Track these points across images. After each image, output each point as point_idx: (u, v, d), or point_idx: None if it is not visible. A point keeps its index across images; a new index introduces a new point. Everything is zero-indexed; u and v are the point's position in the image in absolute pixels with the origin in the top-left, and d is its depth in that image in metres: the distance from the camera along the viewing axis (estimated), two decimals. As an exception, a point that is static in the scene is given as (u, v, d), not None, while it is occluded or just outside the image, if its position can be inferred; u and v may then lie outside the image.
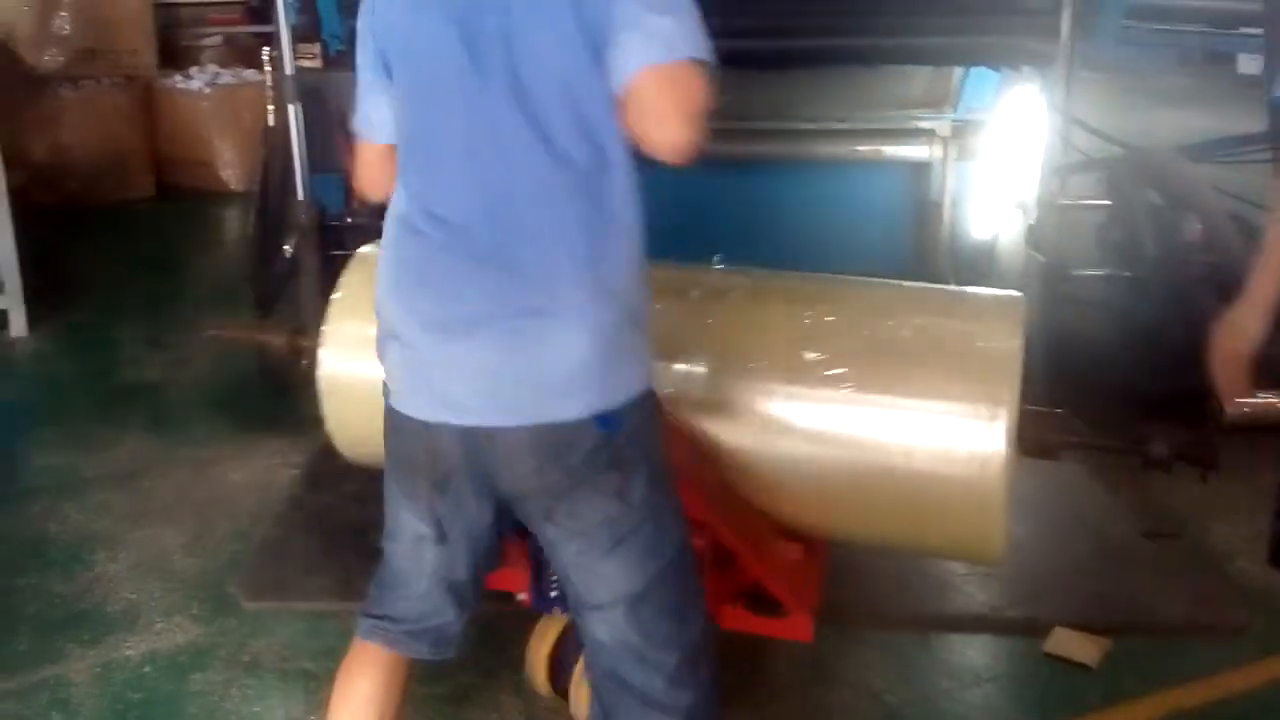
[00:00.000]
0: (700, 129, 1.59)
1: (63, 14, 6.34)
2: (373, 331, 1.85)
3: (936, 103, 4.22)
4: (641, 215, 1.71)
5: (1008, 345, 2.20)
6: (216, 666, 2.64)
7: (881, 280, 2.58)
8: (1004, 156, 3.81)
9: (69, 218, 5.95)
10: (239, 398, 4.00)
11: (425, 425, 1.74)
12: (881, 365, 2.26)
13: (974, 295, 2.63)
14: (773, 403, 2.28)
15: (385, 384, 1.81)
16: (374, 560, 2.92)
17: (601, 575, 1.77)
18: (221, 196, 6.57)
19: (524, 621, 2.50)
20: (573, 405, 1.66)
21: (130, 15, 6.64)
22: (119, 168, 6.49)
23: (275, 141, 3.96)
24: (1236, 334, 2.02)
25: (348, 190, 4.02)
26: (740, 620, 2.50)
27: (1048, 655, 2.70)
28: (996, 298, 2.46)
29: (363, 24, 1.82)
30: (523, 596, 2.49)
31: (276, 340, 3.01)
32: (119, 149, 6.50)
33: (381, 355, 1.80)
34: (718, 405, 2.29)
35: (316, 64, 4.08)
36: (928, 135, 4.19)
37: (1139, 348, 3.63)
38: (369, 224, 3.71)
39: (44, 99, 6.28)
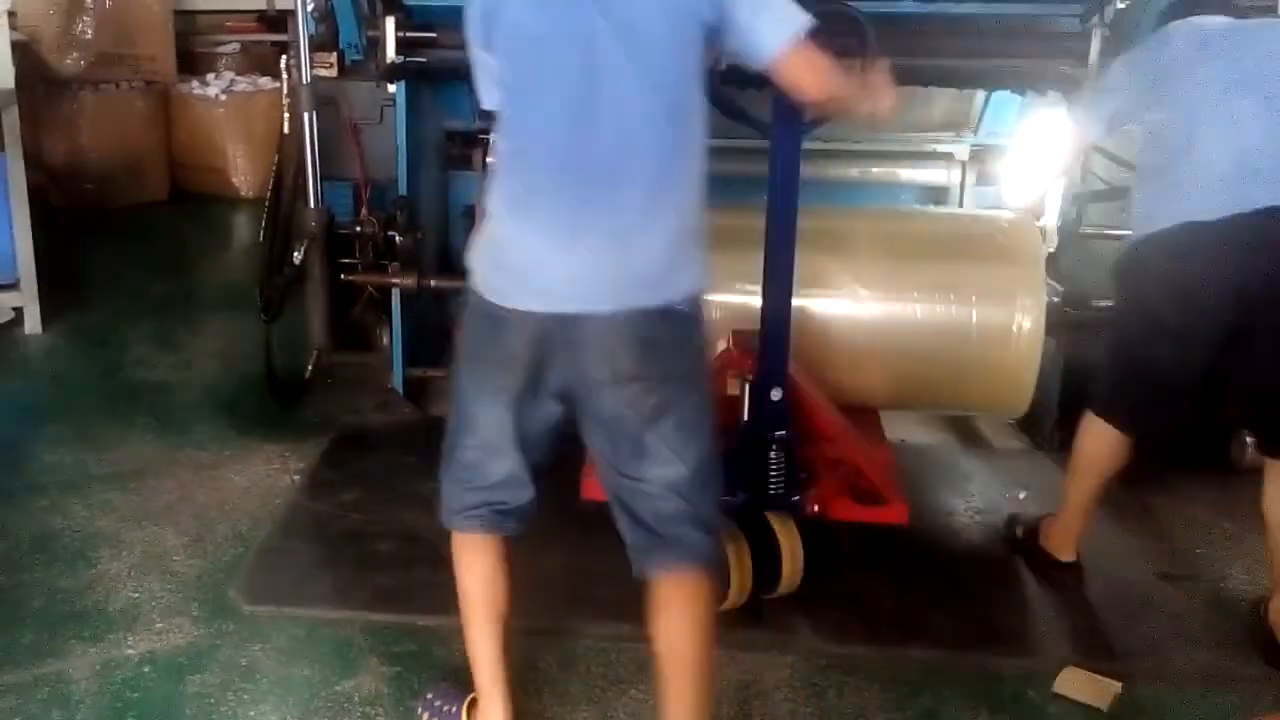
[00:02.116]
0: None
1: (86, 19, 6.41)
2: None
3: (956, 126, 4.14)
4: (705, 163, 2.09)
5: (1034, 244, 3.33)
6: (214, 669, 2.66)
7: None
8: (1024, 183, 3.78)
9: (85, 218, 6.01)
10: (243, 401, 4.03)
11: (531, 317, 2.06)
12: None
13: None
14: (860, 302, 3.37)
15: (479, 290, 2.12)
16: (370, 570, 3.01)
17: (662, 448, 2.11)
18: (233, 202, 6.63)
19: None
20: (653, 296, 2.04)
21: (151, 22, 6.70)
22: (135, 171, 6.55)
23: (289, 148, 4.01)
24: None
25: (358, 198, 4.08)
26: (848, 511, 2.98)
27: (1056, 695, 2.65)
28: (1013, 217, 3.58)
29: None
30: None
31: (407, 281, 3.76)
32: (136, 152, 6.55)
33: (487, 263, 2.13)
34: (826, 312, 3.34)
35: (332, 73, 4.15)
36: (946, 159, 4.13)
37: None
38: (376, 233, 3.79)
39: (64, 101, 6.34)
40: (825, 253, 3.32)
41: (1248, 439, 3.44)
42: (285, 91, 4.03)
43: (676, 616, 2.19)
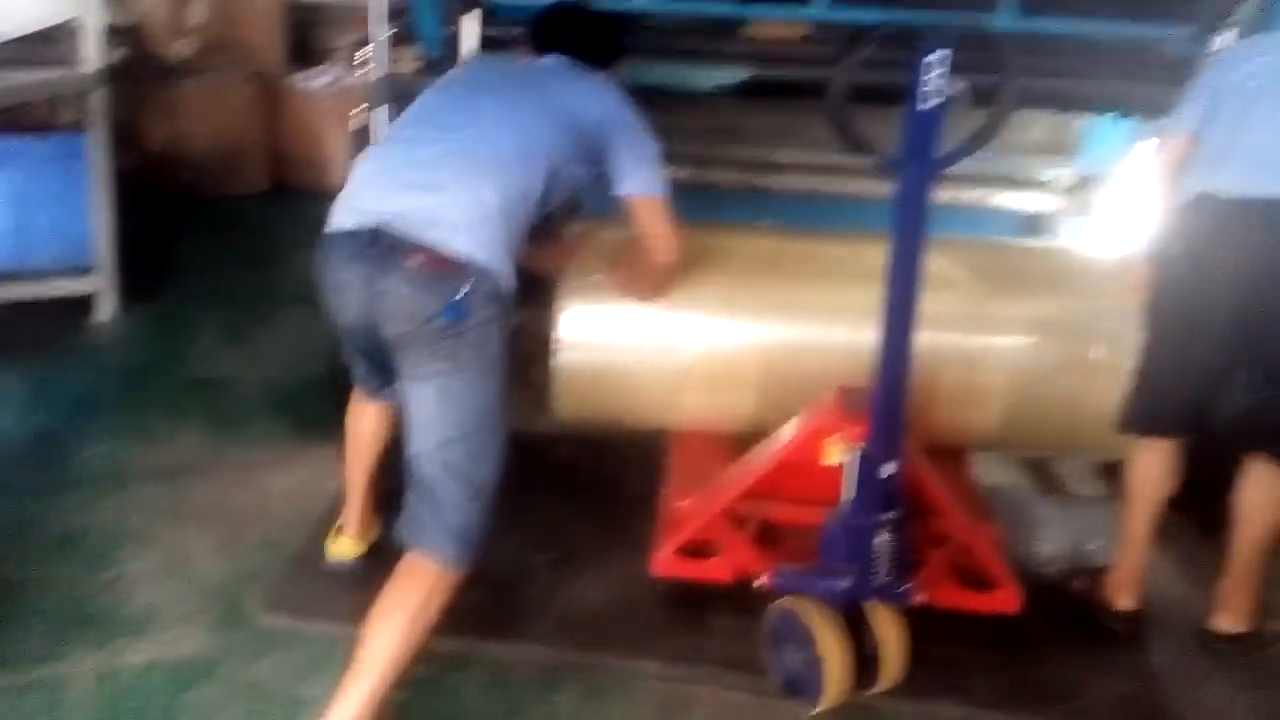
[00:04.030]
0: None
1: (197, 6, 6.47)
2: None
3: (1057, 151, 3.98)
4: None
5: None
6: (217, 683, 2.57)
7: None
8: (1130, 213, 3.52)
9: (180, 206, 6.04)
10: (301, 402, 3.94)
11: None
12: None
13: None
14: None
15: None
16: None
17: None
18: (332, 196, 6.58)
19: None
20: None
21: (260, 11, 6.73)
22: (235, 161, 6.57)
23: (361, 145, 3.92)
24: None
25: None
26: (957, 598, 2.76)
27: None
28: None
29: None
30: (763, 580, 2.67)
31: None
32: (237, 142, 6.57)
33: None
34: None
35: (413, 68, 4.06)
36: (1043, 185, 3.97)
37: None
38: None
39: (169, 88, 6.40)
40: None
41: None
42: (362, 87, 3.97)
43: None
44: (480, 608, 2.77)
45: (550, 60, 2.79)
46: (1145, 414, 2.85)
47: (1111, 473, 3.53)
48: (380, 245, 2.36)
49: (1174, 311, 2.77)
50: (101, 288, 4.55)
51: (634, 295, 3.03)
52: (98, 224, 4.47)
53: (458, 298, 2.31)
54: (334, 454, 3.55)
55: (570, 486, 3.42)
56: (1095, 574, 3.01)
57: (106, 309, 4.58)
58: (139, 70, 6.18)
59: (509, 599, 2.86)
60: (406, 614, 2.33)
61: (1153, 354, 2.83)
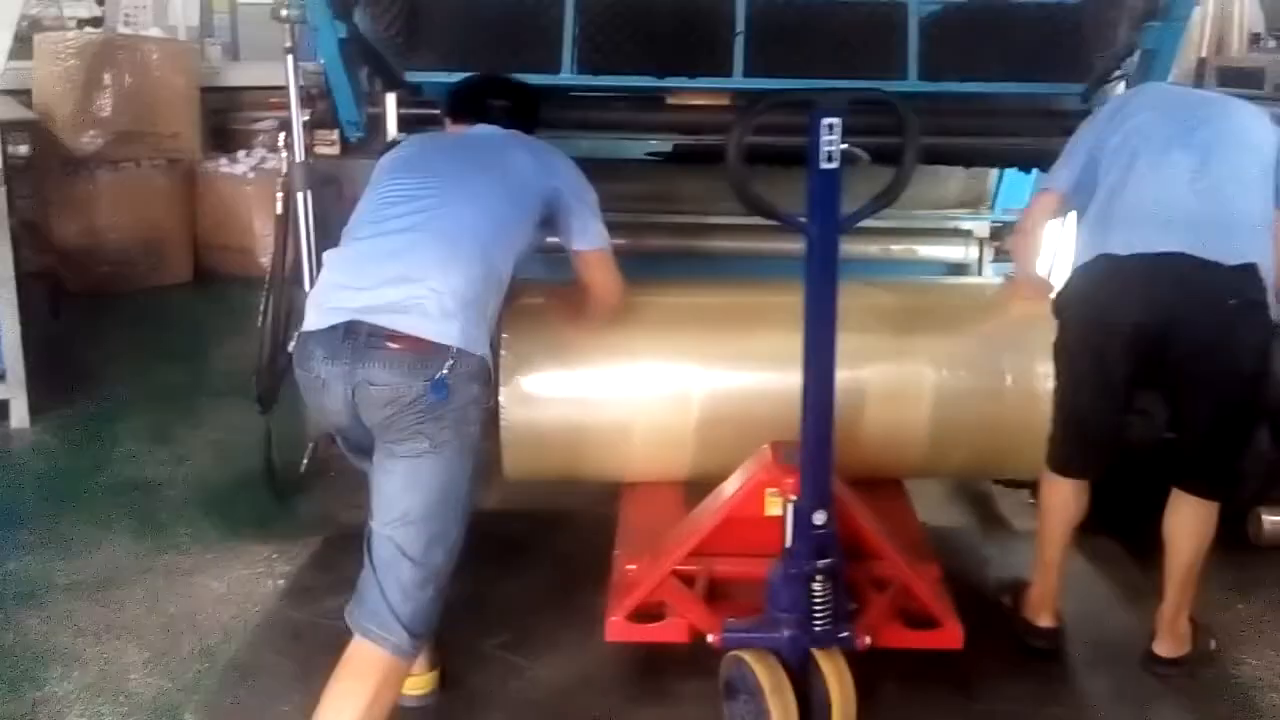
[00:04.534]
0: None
1: (104, 97, 6.32)
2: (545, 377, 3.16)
3: (973, 203, 4.20)
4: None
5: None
6: (152, 809, 2.41)
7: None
8: (1042, 259, 3.64)
9: (100, 303, 5.89)
10: (235, 500, 3.81)
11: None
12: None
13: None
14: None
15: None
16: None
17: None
18: (258, 283, 6.46)
19: None
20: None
21: (173, 98, 6.59)
22: (155, 252, 6.43)
23: (284, 231, 3.86)
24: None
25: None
26: (899, 637, 2.77)
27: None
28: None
29: None
30: (713, 638, 2.62)
31: None
32: (156, 233, 6.43)
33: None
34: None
35: (334, 151, 4.00)
36: (965, 236, 4.16)
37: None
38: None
39: (80, 181, 6.24)
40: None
41: (1263, 515, 3.47)
42: (282, 171, 3.89)
43: None
44: (428, 706, 2.70)
45: (486, 129, 2.80)
46: (1063, 457, 2.97)
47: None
48: (355, 338, 2.32)
49: (1081, 365, 2.88)
50: (13, 394, 4.39)
51: (578, 331, 3.10)
52: (5, 328, 4.32)
53: (439, 376, 2.28)
54: (270, 552, 3.48)
55: (517, 562, 3.37)
56: (1017, 592, 3.12)
57: (20, 416, 4.42)
58: (46, 166, 6.02)
59: (460, 690, 2.76)
60: (355, 709, 2.24)
61: (1064, 404, 2.95)
